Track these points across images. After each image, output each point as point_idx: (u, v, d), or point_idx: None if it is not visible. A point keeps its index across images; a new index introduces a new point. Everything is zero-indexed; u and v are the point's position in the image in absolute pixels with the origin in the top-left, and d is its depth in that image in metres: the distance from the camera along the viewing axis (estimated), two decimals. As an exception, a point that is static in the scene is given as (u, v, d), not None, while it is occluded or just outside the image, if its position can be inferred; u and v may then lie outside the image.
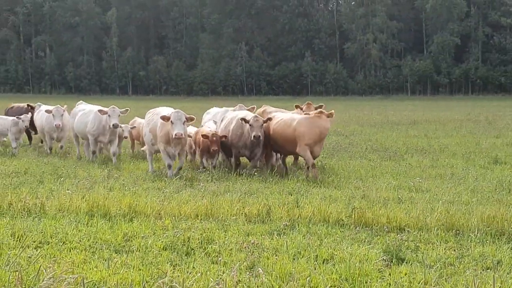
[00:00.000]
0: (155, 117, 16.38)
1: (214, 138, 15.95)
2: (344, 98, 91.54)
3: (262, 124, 15.83)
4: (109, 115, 18.26)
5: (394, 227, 10.11)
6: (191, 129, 17.57)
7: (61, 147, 20.82)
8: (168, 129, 15.49)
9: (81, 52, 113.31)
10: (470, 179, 15.23)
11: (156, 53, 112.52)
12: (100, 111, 18.69)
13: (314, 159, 15.44)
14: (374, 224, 10.19)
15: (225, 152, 17.06)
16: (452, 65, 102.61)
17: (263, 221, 10.50)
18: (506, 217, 10.24)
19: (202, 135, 16.24)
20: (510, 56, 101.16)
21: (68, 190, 12.61)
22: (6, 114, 23.42)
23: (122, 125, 19.34)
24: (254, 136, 15.59)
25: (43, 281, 6.63)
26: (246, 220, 10.53)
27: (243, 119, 15.96)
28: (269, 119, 16.26)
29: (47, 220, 10.23)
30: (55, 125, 20.06)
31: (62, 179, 14.27)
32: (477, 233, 9.64)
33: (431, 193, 13.23)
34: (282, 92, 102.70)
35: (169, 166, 15.77)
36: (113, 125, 18.07)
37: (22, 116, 20.93)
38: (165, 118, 15.47)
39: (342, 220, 10.49)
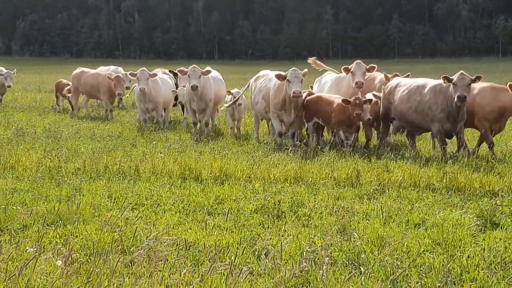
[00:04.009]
0: (268, 83, 15.22)
1: (358, 102, 13.63)
2: (432, 60, 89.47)
3: (470, 84, 12.76)
4: (188, 76, 16.30)
5: (488, 191, 9.92)
6: None
7: (155, 120, 18.41)
8: (283, 95, 14.46)
9: (168, 18, 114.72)
10: None
11: (241, 17, 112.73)
12: (180, 71, 17.22)
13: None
14: (467, 189, 10.03)
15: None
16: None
17: (352, 185, 10.48)
18: None
19: (343, 100, 13.85)
20: None
21: (160, 153, 12.91)
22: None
23: None
24: (458, 97, 12.48)
25: (143, 242, 6.86)
26: (335, 184, 10.55)
27: (446, 78, 12.95)
28: (478, 77, 12.94)
29: (141, 183, 10.52)
30: (140, 89, 17.66)
31: (154, 142, 14.59)
32: None
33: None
34: (368, 55, 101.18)
35: (280, 134, 14.84)
36: (192, 86, 16.08)
37: None
38: (280, 77, 14.35)
39: (433, 184, 10.37)
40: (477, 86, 13.35)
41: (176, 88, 18.69)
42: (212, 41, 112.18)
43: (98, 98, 22.43)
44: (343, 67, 15.66)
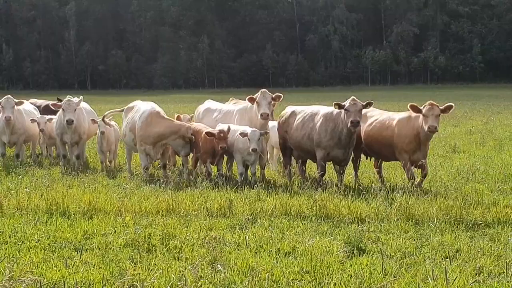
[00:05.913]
0: (135, 114, 14.81)
1: (222, 135, 13.64)
2: (305, 89, 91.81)
3: (361, 109, 12.85)
4: (63, 109, 15.69)
5: (355, 218, 10.19)
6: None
7: (17, 155, 16.92)
8: (156, 130, 14.24)
9: (38, 47, 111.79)
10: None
11: (115, 47, 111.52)
12: (54, 105, 16.57)
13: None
14: (336, 216, 10.25)
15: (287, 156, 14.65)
16: (411, 55, 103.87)
17: (225, 216, 10.48)
18: (464, 206, 10.40)
19: (207, 133, 13.81)
20: (467, 45, 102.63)
21: (26, 188, 12.36)
22: None
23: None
24: (351, 122, 12.52)
25: (0, 282, 6.52)
26: (207, 215, 10.50)
27: (337, 104, 12.90)
28: (369, 103, 13.01)
29: (5, 219, 10.07)
30: (5, 117, 16.33)
31: (20, 177, 14.00)
32: (436, 222, 9.77)
33: (391, 182, 13.33)
34: (244, 84, 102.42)
35: (146, 168, 14.50)
36: (67, 121, 15.45)
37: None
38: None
39: (304, 212, 10.54)
40: (396, 116, 13.46)
41: None
42: (85, 71, 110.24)
43: None
44: (248, 97, 15.12)
